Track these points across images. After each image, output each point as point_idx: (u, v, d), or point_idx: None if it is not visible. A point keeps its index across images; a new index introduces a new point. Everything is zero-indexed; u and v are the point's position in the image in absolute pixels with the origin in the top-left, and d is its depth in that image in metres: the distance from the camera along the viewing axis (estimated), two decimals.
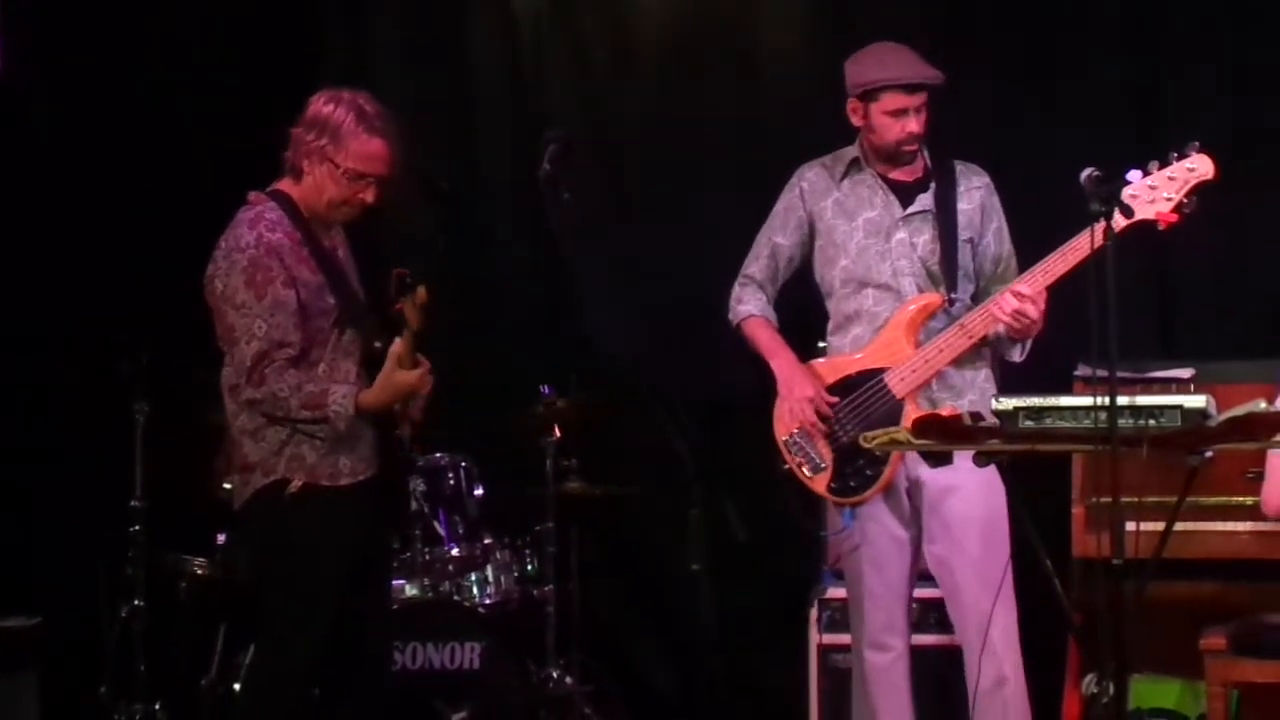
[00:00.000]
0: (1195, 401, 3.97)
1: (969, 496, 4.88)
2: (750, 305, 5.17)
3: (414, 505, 5.70)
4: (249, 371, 4.53)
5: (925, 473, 4.90)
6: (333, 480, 4.61)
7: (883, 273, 4.99)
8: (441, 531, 5.87)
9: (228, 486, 4.75)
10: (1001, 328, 4.87)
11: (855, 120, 5.02)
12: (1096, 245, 4.07)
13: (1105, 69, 6.19)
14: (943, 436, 4.20)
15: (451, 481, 5.93)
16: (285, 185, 4.69)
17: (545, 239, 5.72)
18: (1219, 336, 5.97)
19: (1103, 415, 3.92)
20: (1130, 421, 3.94)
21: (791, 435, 5.03)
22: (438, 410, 4.85)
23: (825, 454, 4.99)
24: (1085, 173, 4.15)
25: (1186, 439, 4.00)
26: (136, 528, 5.69)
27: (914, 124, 4.94)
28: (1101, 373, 3.98)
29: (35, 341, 6.27)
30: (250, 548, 4.93)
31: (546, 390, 5.94)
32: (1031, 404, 4.05)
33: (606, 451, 6.17)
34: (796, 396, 4.98)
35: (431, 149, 6.64)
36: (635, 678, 6.44)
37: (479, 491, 5.99)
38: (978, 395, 4.91)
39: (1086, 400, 3.99)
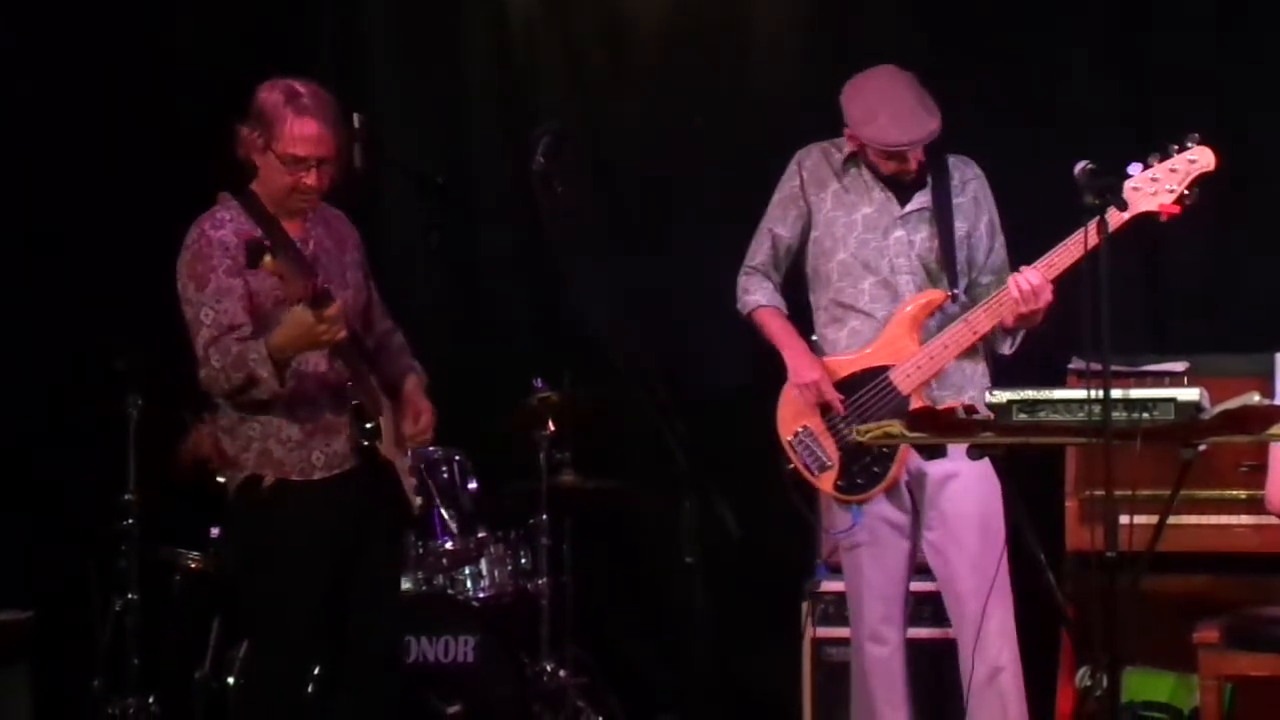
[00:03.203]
0: (1189, 395, 3.97)
1: (967, 487, 4.89)
2: (758, 295, 5.14)
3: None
4: (200, 360, 4.49)
5: (927, 464, 4.90)
6: (304, 475, 4.57)
7: (880, 269, 4.98)
8: (437, 525, 5.87)
9: (222, 480, 4.74)
10: (1008, 319, 4.85)
11: (851, 145, 5.01)
12: (1091, 239, 4.08)
13: (1099, 67, 6.19)
14: (937, 430, 4.20)
15: (445, 475, 5.92)
16: (255, 183, 4.64)
17: (538, 233, 5.73)
18: (1212, 330, 5.97)
19: (1096, 408, 3.92)
20: (1124, 415, 3.94)
21: (796, 434, 5.02)
22: (432, 404, 4.85)
23: (831, 452, 4.97)
24: (1079, 166, 4.15)
25: (1180, 432, 4.00)
26: (130, 521, 5.68)
27: (910, 164, 4.95)
28: (1095, 366, 3.98)
29: (29, 337, 6.25)
30: (232, 544, 4.92)
31: (540, 384, 5.93)
32: (1025, 397, 4.05)
33: (600, 445, 6.17)
34: (803, 380, 4.96)
35: (425, 145, 6.66)
36: (629, 671, 6.44)
37: (473, 485, 5.99)
38: (977, 391, 4.88)
39: (1080, 393, 3.99)
